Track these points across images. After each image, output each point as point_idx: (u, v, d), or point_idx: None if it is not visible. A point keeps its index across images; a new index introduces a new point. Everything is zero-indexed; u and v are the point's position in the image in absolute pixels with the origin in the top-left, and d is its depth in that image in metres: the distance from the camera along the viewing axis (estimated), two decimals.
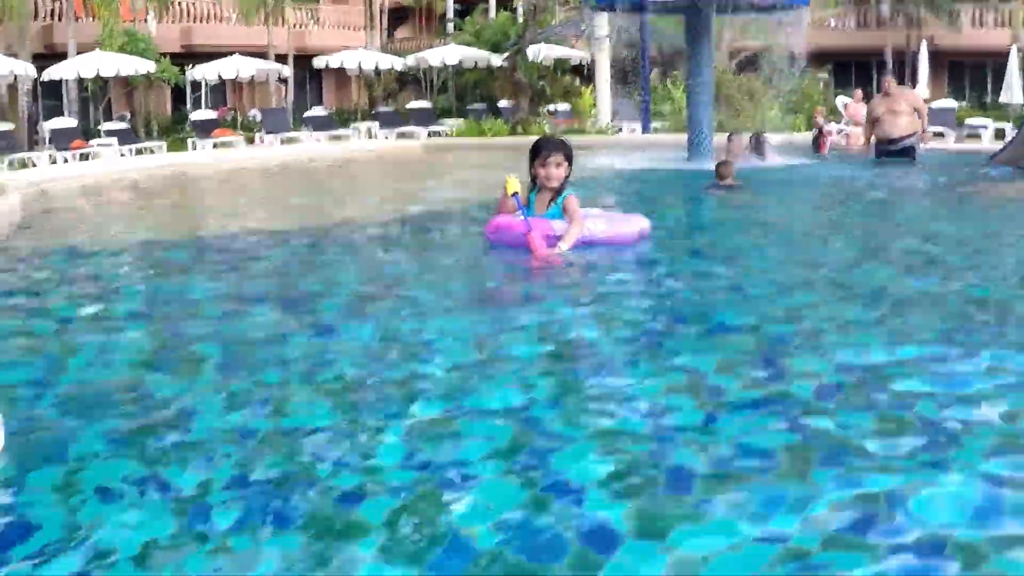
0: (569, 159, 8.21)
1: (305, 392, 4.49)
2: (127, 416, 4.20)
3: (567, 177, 8.21)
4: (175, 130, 36.68)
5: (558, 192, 8.11)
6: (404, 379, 4.61)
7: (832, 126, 25.83)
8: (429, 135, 32.62)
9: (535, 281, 7.33)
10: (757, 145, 17.39)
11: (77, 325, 6.08)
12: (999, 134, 29.13)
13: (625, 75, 30.84)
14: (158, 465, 3.58)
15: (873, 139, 18.87)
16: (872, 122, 18.54)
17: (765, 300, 6.33)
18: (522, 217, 7.92)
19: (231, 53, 38.62)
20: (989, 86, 44.81)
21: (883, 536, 2.93)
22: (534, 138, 9.49)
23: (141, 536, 3.03)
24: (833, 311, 5.91)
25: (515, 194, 7.97)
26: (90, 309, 6.55)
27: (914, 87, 39.65)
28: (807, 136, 22.86)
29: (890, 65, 43.38)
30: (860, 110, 24.41)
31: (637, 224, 8.48)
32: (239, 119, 38.16)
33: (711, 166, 15.02)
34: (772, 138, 19.26)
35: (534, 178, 8.22)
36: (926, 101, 36.77)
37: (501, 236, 8.12)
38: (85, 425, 4.09)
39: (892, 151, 17.87)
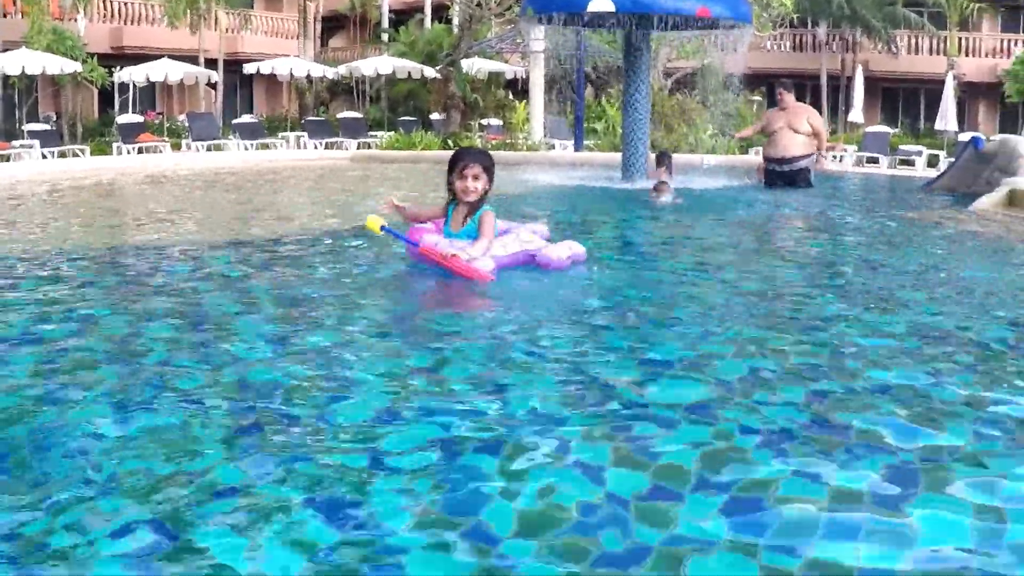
0: (489, 171, 7.68)
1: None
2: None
3: (486, 192, 7.69)
4: (102, 133, 36.09)
5: (475, 207, 7.61)
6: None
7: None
8: (359, 146, 32.27)
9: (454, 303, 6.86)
10: (662, 162, 16.69)
11: None
12: (932, 161, 29.27)
13: (559, 91, 30.67)
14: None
15: (761, 159, 17.55)
16: (768, 135, 16.86)
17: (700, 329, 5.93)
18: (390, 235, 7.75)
19: (161, 56, 38.11)
20: (922, 113, 45.22)
21: None
22: None
23: None
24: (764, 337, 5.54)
25: (383, 227, 7.67)
26: None
27: (848, 111, 39.95)
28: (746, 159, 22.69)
29: (825, 89, 43.60)
30: None
31: (570, 249, 7.81)
32: (166, 124, 37.57)
33: (646, 185, 14.84)
34: (710, 159, 19.02)
35: (452, 191, 7.70)
36: (859, 126, 37.16)
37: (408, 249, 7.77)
38: None
39: (783, 172, 16.35)
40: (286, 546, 2.97)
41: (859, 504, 3.30)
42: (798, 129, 16.35)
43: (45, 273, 8.19)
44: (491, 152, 8.98)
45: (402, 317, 6.47)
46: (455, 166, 7.64)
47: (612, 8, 14.80)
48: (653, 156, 17.06)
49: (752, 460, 3.68)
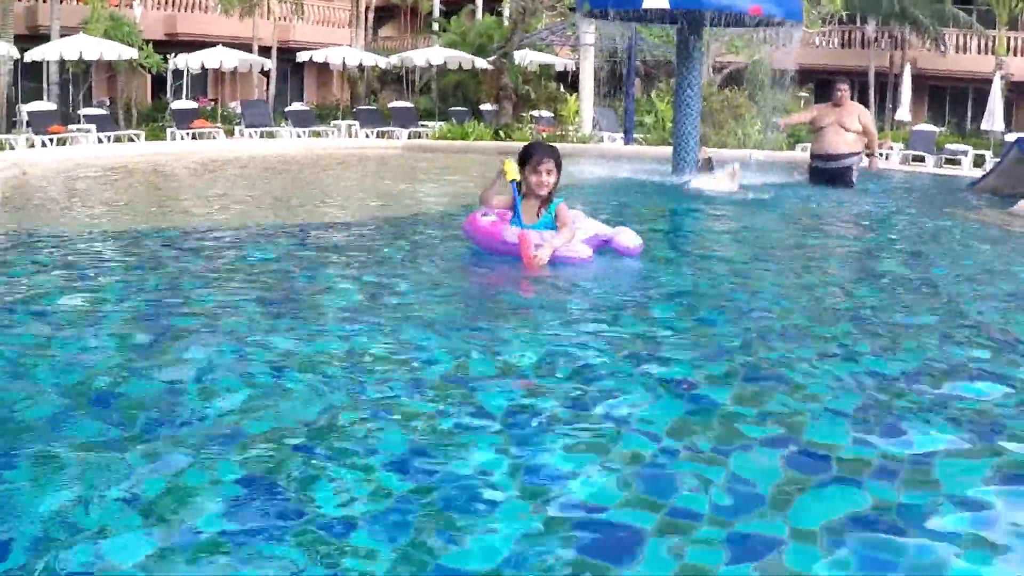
0: (559, 166, 7.90)
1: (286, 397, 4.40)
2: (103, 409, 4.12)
3: (556, 184, 7.93)
4: (154, 118, 36.49)
5: (548, 200, 7.83)
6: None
7: None
8: (409, 135, 32.56)
9: (523, 294, 7.08)
10: (706, 164, 16.74)
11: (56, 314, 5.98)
12: (978, 161, 29.25)
13: (609, 84, 30.87)
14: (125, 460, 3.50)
15: (808, 153, 17.58)
16: (816, 131, 16.88)
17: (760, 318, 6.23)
18: (514, 200, 7.82)
19: (214, 43, 38.54)
20: (969, 112, 45.04)
21: None
22: (517, 144, 9.35)
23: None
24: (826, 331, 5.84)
25: (513, 181, 7.78)
26: (70, 295, 6.45)
27: (895, 109, 39.90)
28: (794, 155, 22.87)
29: (872, 86, 43.55)
30: None
31: (631, 239, 8.07)
32: (219, 110, 37.99)
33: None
34: (757, 154, 19.16)
35: (519, 185, 7.89)
36: (906, 124, 37.14)
37: (478, 238, 7.96)
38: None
39: (829, 169, 16.37)
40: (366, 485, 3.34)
41: None
42: (848, 127, 16.35)
43: (138, 251, 8.60)
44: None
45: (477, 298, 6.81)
46: (528, 160, 7.85)
47: (667, 5, 15.02)
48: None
49: None
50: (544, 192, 7.83)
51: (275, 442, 3.74)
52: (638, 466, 3.60)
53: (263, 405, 4.19)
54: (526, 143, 8.63)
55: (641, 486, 3.42)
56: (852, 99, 17.45)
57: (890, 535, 3.09)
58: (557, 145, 9.58)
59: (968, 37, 44.61)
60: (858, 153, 16.57)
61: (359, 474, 3.46)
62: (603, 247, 7.93)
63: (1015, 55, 43.66)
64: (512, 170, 7.76)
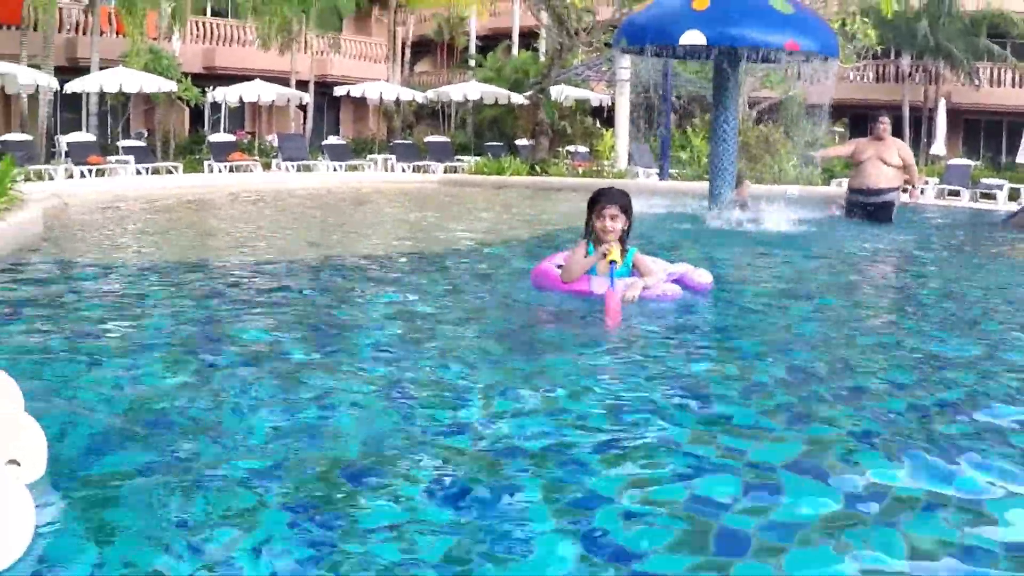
0: (626, 211, 7.59)
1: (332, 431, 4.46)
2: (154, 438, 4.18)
3: (627, 231, 7.65)
4: (191, 151, 36.74)
5: (623, 251, 7.55)
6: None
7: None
8: (446, 170, 32.66)
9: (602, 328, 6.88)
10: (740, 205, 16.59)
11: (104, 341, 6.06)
12: (1013, 195, 29.19)
13: (645, 119, 30.90)
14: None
15: (846, 188, 17.48)
16: (856, 165, 16.91)
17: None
18: (586, 252, 7.55)
19: (252, 77, 38.80)
20: (1004, 145, 44.93)
21: None
22: (554, 179, 9.29)
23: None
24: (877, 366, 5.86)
25: (613, 262, 7.30)
26: (114, 326, 6.54)
27: (930, 143, 39.84)
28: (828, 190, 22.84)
29: (907, 120, 43.48)
30: None
31: (703, 276, 8.01)
32: (257, 144, 38.23)
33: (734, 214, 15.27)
34: (793, 190, 19.12)
35: (589, 231, 7.64)
36: (941, 158, 37.04)
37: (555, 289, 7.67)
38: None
39: (869, 204, 16.32)
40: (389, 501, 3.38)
41: None
42: (888, 161, 16.31)
43: (178, 283, 8.69)
44: (579, 179, 9.18)
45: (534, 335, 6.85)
46: (593, 206, 7.62)
47: (703, 41, 15.06)
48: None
49: None
50: (611, 238, 7.49)
51: (319, 476, 3.80)
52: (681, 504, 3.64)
53: (303, 438, 4.25)
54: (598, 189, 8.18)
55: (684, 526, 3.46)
56: (913, 137, 17.50)
57: None
58: (593, 180, 9.55)
59: (1002, 71, 44.57)
60: (897, 188, 16.53)
61: (403, 506, 3.52)
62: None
63: None
64: (614, 254, 7.38)
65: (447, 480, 3.76)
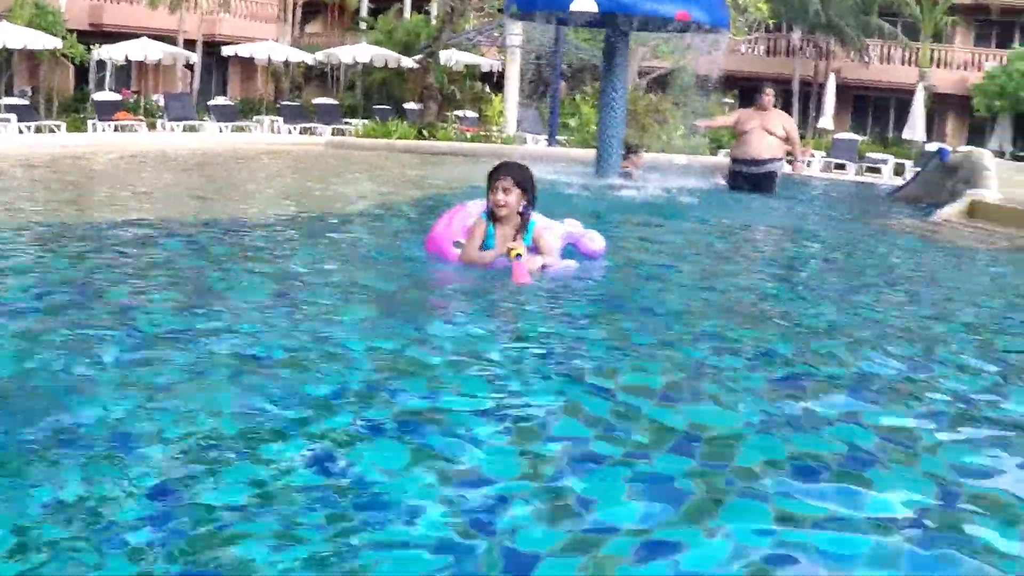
0: (522, 185, 7.25)
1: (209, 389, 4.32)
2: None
3: (528, 207, 7.34)
4: (76, 109, 36.04)
5: (523, 225, 7.31)
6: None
7: None
8: (333, 132, 32.39)
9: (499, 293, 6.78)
10: (627, 156, 16.72)
11: None
12: (898, 169, 29.66)
13: (534, 86, 30.89)
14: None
15: (729, 159, 17.55)
16: (739, 135, 16.79)
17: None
18: (486, 228, 7.31)
19: (139, 35, 38.10)
20: (892, 122, 45.57)
21: None
22: (442, 143, 9.15)
23: None
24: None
25: (518, 256, 6.96)
26: None
27: (818, 117, 40.27)
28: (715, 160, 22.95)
29: (796, 94, 43.88)
30: None
31: (596, 244, 7.92)
32: (142, 103, 37.59)
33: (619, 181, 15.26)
34: (679, 159, 19.20)
35: (491, 213, 7.34)
36: (829, 132, 37.48)
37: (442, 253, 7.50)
38: None
39: (751, 174, 16.28)
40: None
41: None
42: (772, 131, 16.37)
43: (46, 246, 8.45)
44: (467, 144, 9.04)
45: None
46: (490, 180, 7.31)
47: (595, 9, 14.99)
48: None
49: None
50: (503, 212, 7.26)
51: (183, 448, 3.66)
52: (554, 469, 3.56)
53: (168, 405, 4.11)
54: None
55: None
56: (776, 106, 17.55)
57: None
58: (481, 145, 9.44)
59: (892, 48, 45.08)
60: (780, 159, 16.62)
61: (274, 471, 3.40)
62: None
63: (938, 67, 44.17)
64: (521, 250, 7.05)
65: (319, 448, 3.65)
